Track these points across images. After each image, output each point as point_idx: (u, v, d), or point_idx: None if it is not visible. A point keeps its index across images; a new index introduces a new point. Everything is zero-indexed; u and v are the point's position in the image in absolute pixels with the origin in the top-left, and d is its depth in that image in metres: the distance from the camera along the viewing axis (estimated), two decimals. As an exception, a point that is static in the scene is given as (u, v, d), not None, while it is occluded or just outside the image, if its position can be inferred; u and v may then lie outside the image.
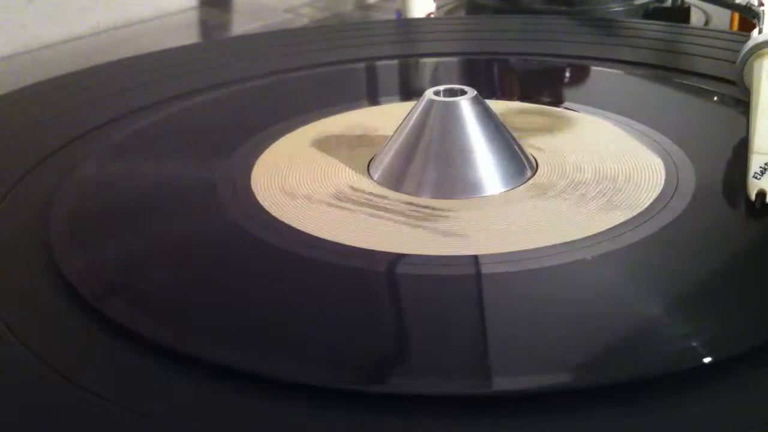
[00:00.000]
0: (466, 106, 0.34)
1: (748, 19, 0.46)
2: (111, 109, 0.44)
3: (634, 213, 0.30)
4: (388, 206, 0.32)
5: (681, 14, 0.70)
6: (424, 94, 0.35)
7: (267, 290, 0.27)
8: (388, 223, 0.31)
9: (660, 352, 0.23)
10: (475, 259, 0.28)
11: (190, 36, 0.77)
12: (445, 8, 0.79)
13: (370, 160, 0.36)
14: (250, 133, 0.40)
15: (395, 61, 0.53)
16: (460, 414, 0.21)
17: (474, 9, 0.76)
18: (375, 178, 0.34)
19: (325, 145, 0.38)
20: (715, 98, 0.43)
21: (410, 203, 0.32)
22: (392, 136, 0.35)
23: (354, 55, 0.53)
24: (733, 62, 0.39)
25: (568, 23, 0.59)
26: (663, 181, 0.33)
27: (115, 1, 0.72)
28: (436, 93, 0.35)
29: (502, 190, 0.33)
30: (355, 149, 0.37)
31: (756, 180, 0.30)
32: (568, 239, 0.29)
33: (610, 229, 0.29)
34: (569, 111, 0.41)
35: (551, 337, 0.24)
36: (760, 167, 0.31)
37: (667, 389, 0.21)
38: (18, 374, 0.23)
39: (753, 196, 0.30)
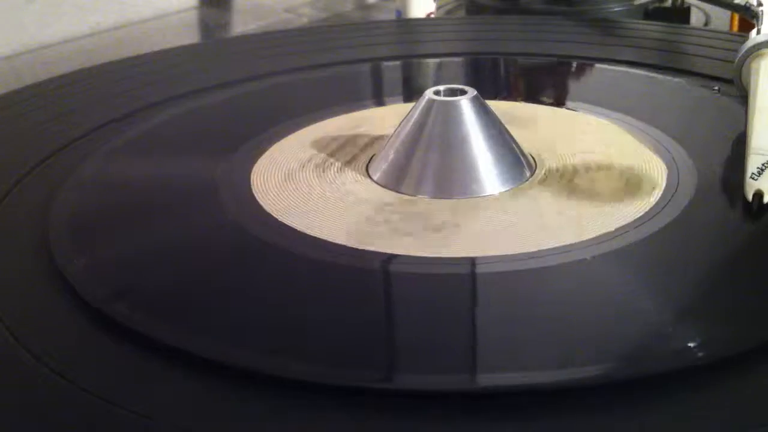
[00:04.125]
0: (466, 105, 0.34)
1: (747, 19, 0.46)
2: (111, 110, 0.44)
3: (635, 213, 0.30)
4: (387, 206, 0.32)
5: (681, 14, 0.70)
6: (424, 94, 0.35)
7: (266, 290, 0.27)
8: (388, 224, 0.31)
9: (659, 351, 0.23)
10: (475, 259, 0.28)
11: (190, 36, 0.77)
12: (445, 8, 0.79)
13: (370, 160, 0.36)
14: (250, 133, 0.40)
15: (395, 62, 0.53)
16: (459, 412, 0.21)
17: (474, 9, 0.76)
18: (375, 178, 0.34)
19: (324, 145, 0.38)
20: (716, 87, 0.42)
21: (409, 204, 0.32)
22: (392, 135, 0.35)
23: (354, 56, 0.53)
24: (733, 62, 0.39)
25: (568, 23, 0.59)
26: (664, 181, 0.33)
27: (115, 1, 0.72)
28: (437, 93, 0.35)
29: (502, 189, 0.33)
30: (354, 149, 0.37)
31: (753, 180, 0.30)
32: (568, 239, 0.29)
33: (610, 229, 0.29)
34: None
35: (551, 336, 0.24)
36: (758, 167, 0.31)
37: (666, 389, 0.21)
38: (18, 374, 0.23)
39: (750, 197, 0.30)
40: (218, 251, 0.30)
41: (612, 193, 0.32)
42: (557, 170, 0.34)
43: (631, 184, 0.33)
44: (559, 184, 0.33)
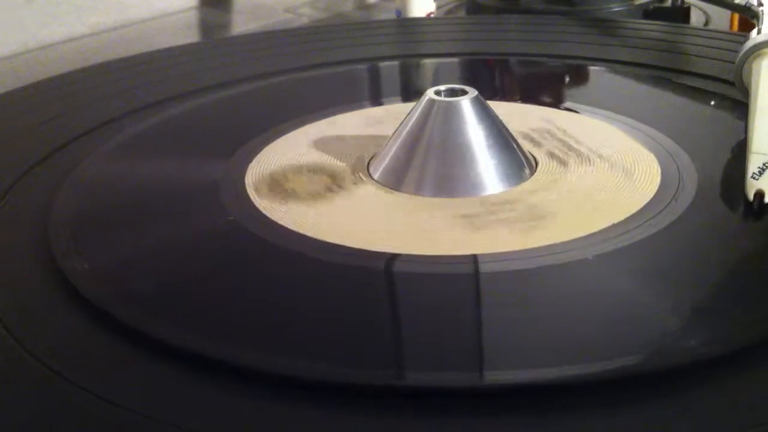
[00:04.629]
0: (466, 106, 0.34)
1: (748, 18, 0.46)
2: (111, 109, 0.44)
3: (635, 213, 0.30)
4: (387, 206, 0.32)
5: (681, 14, 0.70)
6: (424, 94, 0.35)
7: (267, 290, 0.27)
8: (388, 223, 0.31)
9: (659, 351, 0.23)
10: (475, 258, 0.28)
11: (190, 36, 0.77)
12: (445, 8, 0.79)
13: (370, 160, 0.36)
14: (249, 133, 0.40)
15: (395, 62, 0.53)
16: (459, 410, 0.21)
17: (474, 9, 0.76)
18: (375, 178, 0.34)
19: (324, 145, 0.38)
20: (712, 102, 0.43)
21: (409, 204, 0.32)
22: (392, 135, 0.35)
23: (354, 55, 0.53)
24: (733, 62, 0.39)
25: (568, 23, 0.59)
26: (664, 182, 0.33)
27: (114, 1, 0.72)
28: (437, 93, 0.35)
29: (502, 189, 0.33)
30: (355, 149, 0.37)
31: (754, 180, 0.30)
32: (569, 239, 0.29)
33: (610, 228, 0.29)
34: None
35: (551, 336, 0.24)
36: (758, 167, 0.31)
37: (666, 388, 0.21)
38: (18, 374, 0.23)
39: (751, 197, 0.30)
40: (218, 251, 0.30)
41: (612, 192, 0.32)
42: (558, 170, 0.34)
43: (629, 182, 0.33)
44: (560, 183, 0.33)
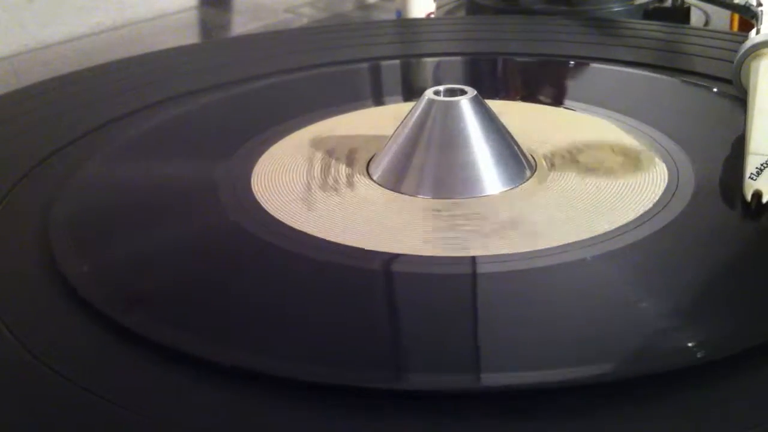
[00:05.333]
0: (466, 105, 0.34)
1: (747, 19, 0.47)
2: (111, 109, 0.44)
3: (635, 213, 0.30)
4: (387, 206, 0.32)
5: (681, 14, 0.70)
6: (424, 94, 0.35)
7: (268, 290, 0.27)
8: (388, 223, 0.31)
9: (659, 352, 0.23)
10: (475, 259, 0.28)
11: (190, 36, 0.77)
12: (445, 8, 0.79)
13: (370, 160, 0.36)
14: (250, 133, 0.40)
15: (395, 61, 0.53)
16: (459, 412, 0.21)
17: (474, 9, 0.76)
18: (375, 178, 0.34)
19: (325, 145, 0.38)
20: (715, 90, 0.43)
21: (409, 204, 0.32)
22: (392, 135, 0.35)
23: (354, 56, 0.53)
24: (732, 62, 0.40)
25: (568, 23, 0.59)
26: (663, 181, 0.33)
27: (115, 1, 0.72)
28: (436, 93, 0.35)
29: (502, 189, 0.33)
30: (355, 149, 0.37)
31: (752, 180, 0.31)
32: (568, 239, 0.29)
33: (610, 229, 0.29)
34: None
35: (551, 337, 0.24)
36: (756, 168, 0.31)
37: (666, 389, 0.21)
38: (18, 374, 0.23)
39: (749, 197, 0.30)
40: (218, 251, 0.30)
41: (610, 192, 0.32)
42: (557, 170, 0.34)
43: (627, 182, 0.33)
44: (559, 184, 0.33)
